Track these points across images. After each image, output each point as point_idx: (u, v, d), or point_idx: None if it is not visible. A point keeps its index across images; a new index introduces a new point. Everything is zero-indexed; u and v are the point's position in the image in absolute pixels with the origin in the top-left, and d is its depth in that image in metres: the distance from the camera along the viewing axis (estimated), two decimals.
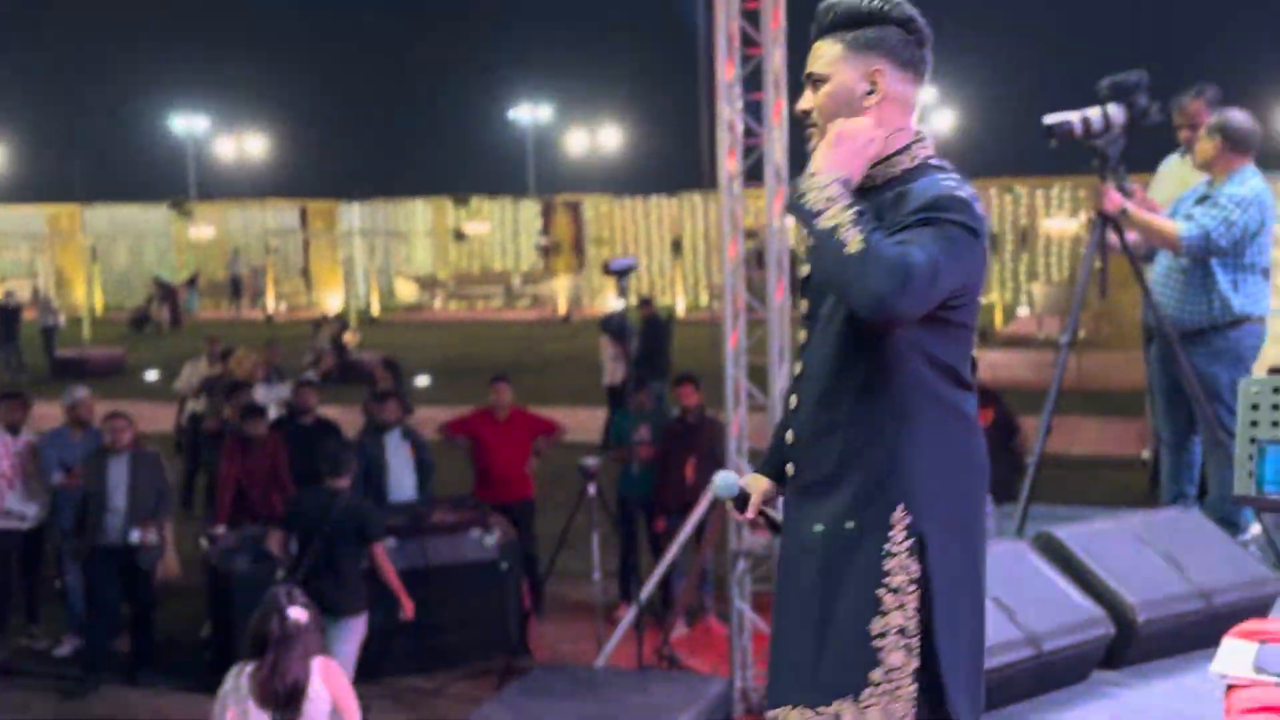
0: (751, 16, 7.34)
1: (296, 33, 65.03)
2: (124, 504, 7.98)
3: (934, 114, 47.43)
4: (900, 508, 2.42)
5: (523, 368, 22.35)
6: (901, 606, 2.40)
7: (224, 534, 8.31)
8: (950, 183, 2.47)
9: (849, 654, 2.40)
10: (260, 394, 10.65)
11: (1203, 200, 5.34)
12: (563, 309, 33.30)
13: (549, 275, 35.59)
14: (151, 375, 20.97)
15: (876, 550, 2.40)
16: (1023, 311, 30.04)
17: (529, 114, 52.64)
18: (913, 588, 2.40)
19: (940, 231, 2.38)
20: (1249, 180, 5.27)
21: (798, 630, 2.49)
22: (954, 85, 49.21)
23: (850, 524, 2.44)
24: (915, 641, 2.40)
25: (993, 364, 19.87)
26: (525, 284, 36.35)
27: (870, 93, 2.54)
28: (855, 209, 2.35)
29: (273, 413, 9.99)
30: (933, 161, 2.56)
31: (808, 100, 2.62)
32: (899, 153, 2.55)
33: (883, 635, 2.40)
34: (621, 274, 5.87)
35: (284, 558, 7.34)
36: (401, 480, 9.11)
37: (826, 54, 2.58)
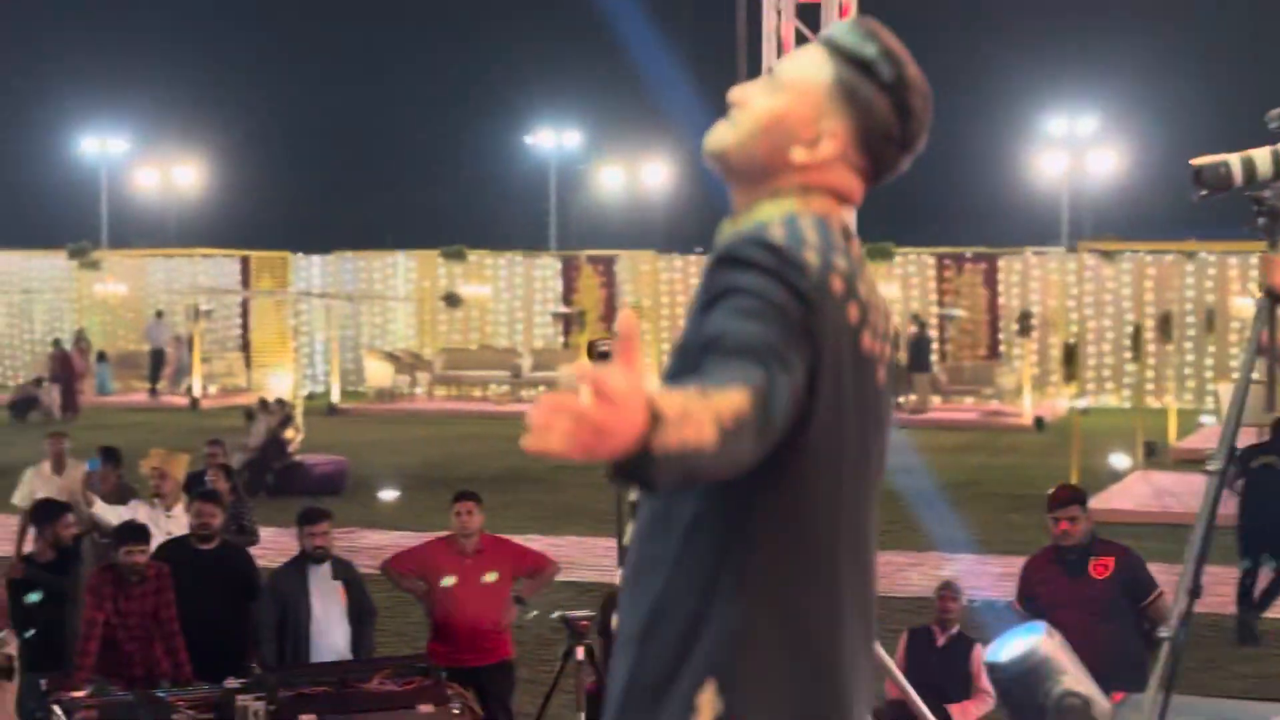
0: (809, 15, 7.31)
1: (242, 35, 66.08)
2: None
3: (1090, 153, 47.44)
4: (711, 685, 2.41)
5: (527, 479, 22.26)
6: None
7: (83, 699, 8.16)
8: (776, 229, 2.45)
9: None
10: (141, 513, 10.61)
11: None
12: None
13: (569, 354, 35.61)
14: None
15: None
16: (1207, 420, 29.69)
17: (550, 142, 53.01)
18: None
19: (734, 304, 2.33)
20: None
21: None
22: (1117, 115, 49.27)
23: (650, 695, 2.45)
24: None
25: (1160, 491, 19.59)
26: (538, 366, 36.37)
27: (807, 146, 2.56)
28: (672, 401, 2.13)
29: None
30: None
31: (747, 90, 2.64)
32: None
33: None
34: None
35: None
36: (329, 632, 9.00)
37: (808, 65, 2.62)
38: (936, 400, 32.99)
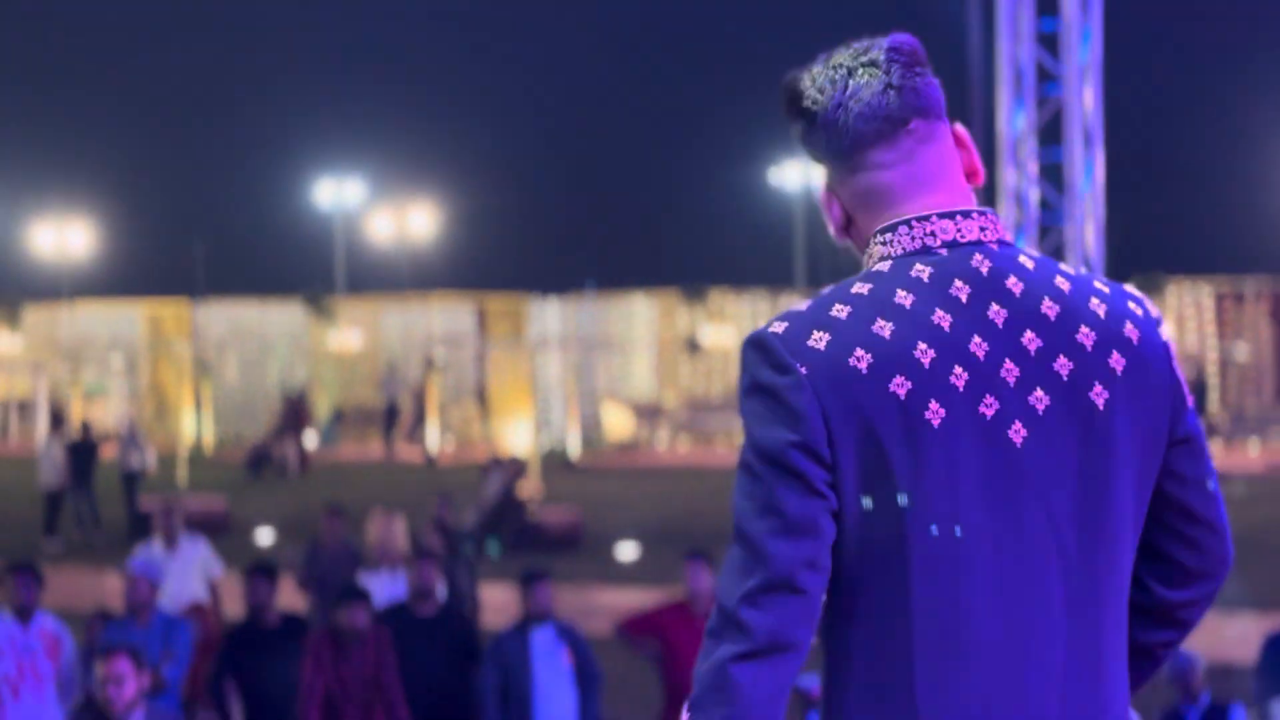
0: (1049, 42, 7.19)
1: (475, 77, 67.36)
2: None
3: None
4: None
5: None
6: None
7: None
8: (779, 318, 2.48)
9: None
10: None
11: None
12: None
13: None
14: (264, 536, 21.60)
15: None
16: None
17: (796, 174, 52.86)
18: None
19: (742, 472, 2.49)
20: None
21: None
22: None
23: None
24: None
25: None
26: None
27: (845, 226, 2.61)
28: None
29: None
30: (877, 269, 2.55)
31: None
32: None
33: None
34: None
35: None
36: (554, 699, 9.04)
37: None
38: (1216, 447, 32.09)
